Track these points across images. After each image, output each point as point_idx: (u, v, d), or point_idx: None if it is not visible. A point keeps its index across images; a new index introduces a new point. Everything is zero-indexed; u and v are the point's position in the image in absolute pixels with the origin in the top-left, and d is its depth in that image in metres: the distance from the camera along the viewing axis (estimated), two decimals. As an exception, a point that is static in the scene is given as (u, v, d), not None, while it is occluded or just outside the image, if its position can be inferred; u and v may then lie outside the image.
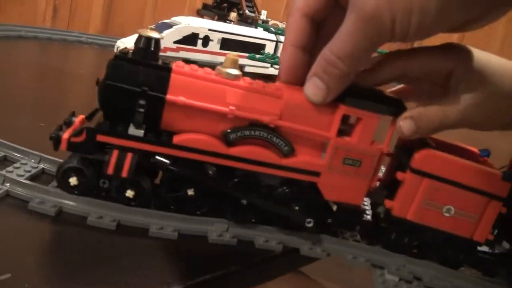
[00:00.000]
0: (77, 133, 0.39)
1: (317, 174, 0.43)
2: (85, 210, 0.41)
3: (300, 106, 0.42)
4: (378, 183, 0.49)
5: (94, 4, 1.80)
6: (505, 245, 0.50)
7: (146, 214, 0.42)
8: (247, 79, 0.42)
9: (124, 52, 0.40)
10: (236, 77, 0.41)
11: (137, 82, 0.39)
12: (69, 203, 0.41)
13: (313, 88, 0.41)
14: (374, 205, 0.50)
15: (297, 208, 0.44)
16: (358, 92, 0.42)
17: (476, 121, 0.43)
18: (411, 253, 0.48)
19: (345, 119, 0.43)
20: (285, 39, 0.43)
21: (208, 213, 0.43)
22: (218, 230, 0.43)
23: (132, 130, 0.39)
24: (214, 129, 0.41)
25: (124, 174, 0.40)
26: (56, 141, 0.39)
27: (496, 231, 0.46)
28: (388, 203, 0.46)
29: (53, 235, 0.39)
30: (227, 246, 0.42)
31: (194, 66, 0.42)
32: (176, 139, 0.40)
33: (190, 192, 0.42)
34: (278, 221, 0.45)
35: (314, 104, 0.41)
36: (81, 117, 0.42)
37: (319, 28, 0.43)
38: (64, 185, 0.41)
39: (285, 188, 0.44)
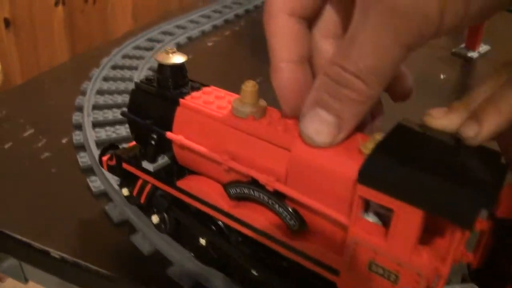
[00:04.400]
0: (111, 158, 0.40)
1: (335, 271, 0.29)
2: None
3: (312, 165, 0.28)
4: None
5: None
6: None
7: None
8: (269, 114, 0.32)
9: (149, 77, 0.37)
10: (247, 114, 0.32)
11: (148, 115, 0.36)
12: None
13: (317, 123, 0.27)
14: None
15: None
16: (396, 155, 0.25)
17: None
18: None
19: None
20: (272, 56, 0.29)
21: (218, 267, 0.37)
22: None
23: (145, 163, 0.37)
24: (219, 178, 0.33)
25: (142, 200, 0.38)
26: (99, 161, 0.41)
27: None
28: None
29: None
30: None
31: (215, 95, 0.34)
32: (180, 182, 0.35)
33: (202, 241, 0.36)
34: None
35: (318, 146, 0.28)
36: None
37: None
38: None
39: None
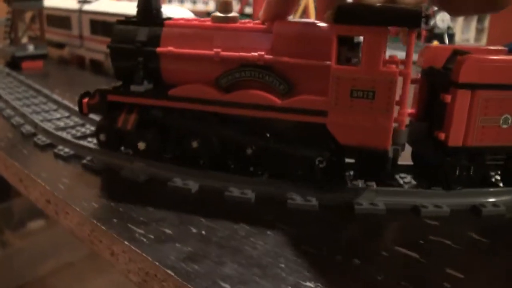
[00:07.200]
0: (92, 96, 0.43)
1: (323, 113, 0.37)
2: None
3: (292, 37, 0.37)
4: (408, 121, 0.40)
5: None
6: None
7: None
8: (241, 21, 0.40)
9: (129, 16, 0.43)
10: (226, 19, 0.40)
11: (134, 41, 0.41)
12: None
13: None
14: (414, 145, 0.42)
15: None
16: (355, 8, 0.35)
17: None
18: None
19: (354, 46, 0.36)
20: None
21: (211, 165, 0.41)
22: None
23: (134, 87, 0.41)
24: (209, 77, 0.40)
25: (129, 127, 0.42)
26: (79, 105, 0.44)
27: None
28: (440, 134, 0.38)
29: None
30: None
31: (189, 17, 0.42)
32: (171, 91, 0.40)
33: (194, 144, 0.41)
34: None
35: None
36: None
37: None
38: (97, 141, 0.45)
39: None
